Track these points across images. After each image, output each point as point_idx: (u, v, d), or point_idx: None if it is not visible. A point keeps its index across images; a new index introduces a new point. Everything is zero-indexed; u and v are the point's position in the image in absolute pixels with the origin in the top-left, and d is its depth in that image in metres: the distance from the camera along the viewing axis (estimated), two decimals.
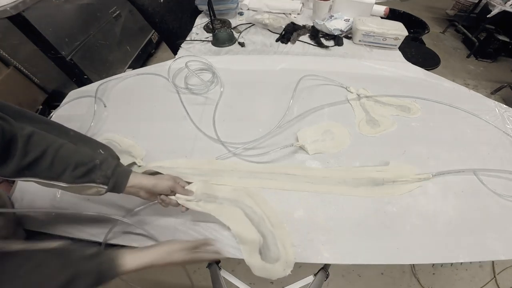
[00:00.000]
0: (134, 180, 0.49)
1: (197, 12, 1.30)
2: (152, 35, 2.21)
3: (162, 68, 0.94)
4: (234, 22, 1.24)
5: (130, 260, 0.42)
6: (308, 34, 1.17)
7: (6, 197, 0.61)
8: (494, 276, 1.24)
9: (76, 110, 0.84)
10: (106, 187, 0.46)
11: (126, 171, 0.49)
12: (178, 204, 0.54)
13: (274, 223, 0.58)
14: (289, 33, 1.14)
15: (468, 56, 2.60)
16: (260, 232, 0.56)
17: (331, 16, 1.18)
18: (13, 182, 0.66)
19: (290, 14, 1.29)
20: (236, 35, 1.15)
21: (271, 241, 0.56)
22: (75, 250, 0.39)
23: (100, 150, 0.54)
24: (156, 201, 0.55)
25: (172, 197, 0.54)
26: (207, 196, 0.58)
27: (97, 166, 0.45)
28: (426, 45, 1.69)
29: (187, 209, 0.55)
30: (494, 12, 2.16)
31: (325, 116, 0.81)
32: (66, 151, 0.44)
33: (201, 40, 1.13)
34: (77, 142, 0.50)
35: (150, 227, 0.58)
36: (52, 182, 0.43)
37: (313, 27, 1.18)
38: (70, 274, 0.36)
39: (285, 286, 0.57)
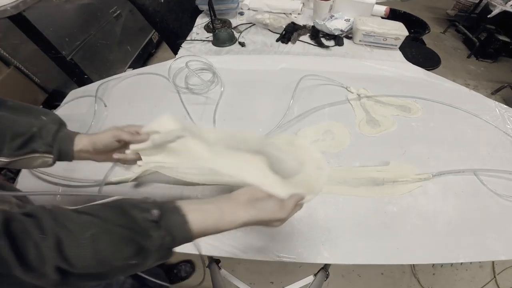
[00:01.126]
0: (81, 142, 0.44)
1: (197, 12, 1.30)
2: (153, 34, 2.21)
3: (163, 68, 0.94)
4: (234, 22, 1.24)
5: (202, 224, 0.33)
6: (308, 34, 1.17)
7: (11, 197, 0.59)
8: (494, 276, 1.24)
9: (76, 110, 0.84)
10: (51, 156, 0.42)
11: (69, 135, 0.44)
12: (136, 159, 0.45)
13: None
14: (289, 33, 1.14)
15: (468, 56, 2.60)
16: (258, 153, 0.42)
17: (331, 16, 1.18)
18: (14, 181, 0.67)
19: (290, 14, 1.29)
20: (236, 35, 1.15)
21: (275, 152, 0.41)
22: (135, 208, 0.31)
23: (42, 117, 0.46)
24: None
25: (127, 151, 0.45)
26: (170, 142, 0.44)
27: (35, 134, 0.41)
28: (427, 45, 1.69)
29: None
30: (495, 12, 2.16)
31: (326, 116, 0.80)
32: (2, 123, 0.40)
33: (201, 40, 1.13)
34: (16, 113, 0.44)
35: None
36: None
37: (313, 27, 1.17)
38: (138, 244, 0.30)
39: (285, 286, 0.57)
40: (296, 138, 0.43)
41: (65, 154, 0.43)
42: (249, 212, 0.35)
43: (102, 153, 0.45)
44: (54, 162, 0.43)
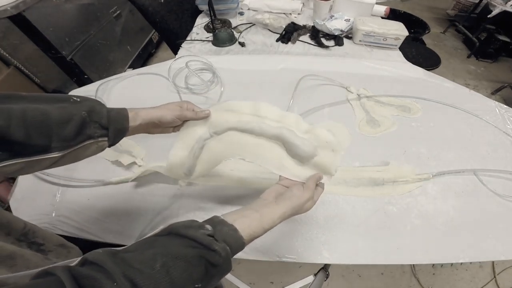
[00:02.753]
0: (139, 117, 0.42)
1: (197, 12, 1.30)
2: (153, 34, 2.21)
3: (163, 68, 0.94)
4: (234, 22, 1.24)
5: (249, 228, 0.35)
6: (308, 34, 1.17)
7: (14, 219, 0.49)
8: (494, 276, 1.24)
9: None
10: (106, 139, 0.39)
11: (121, 112, 0.41)
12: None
13: (275, 118, 0.47)
14: (289, 33, 1.14)
15: (468, 56, 2.60)
16: (274, 138, 0.46)
17: (331, 16, 1.18)
18: (13, 181, 0.67)
19: (290, 14, 1.29)
20: (236, 35, 1.15)
21: (292, 138, 0.45)
22: (189, 228, 0.31)
23: (73, 98, 0.39)
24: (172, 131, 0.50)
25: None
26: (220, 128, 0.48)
27: (85, 118, 0.36)
28: (427, 45, 1.69)
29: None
30: (495, 12, 2.16)
31: (325, 116, 0.80)
32: (35, 114, 0.33)
33: (201, 40, 1.13)
34: (39, 102, 0.36)
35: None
36: (40, 157, 0.33)
37: (313, 27, 1.17)
38: (208, 262, 0.29)
39: (285, 286, 0.57)
40: (313, 128, 0.46)
41: (121, 133, 0.41)
42: (282, 205, 0.39)
43: (161, 127, 0.47)
44: (110, 145, 0.41)
